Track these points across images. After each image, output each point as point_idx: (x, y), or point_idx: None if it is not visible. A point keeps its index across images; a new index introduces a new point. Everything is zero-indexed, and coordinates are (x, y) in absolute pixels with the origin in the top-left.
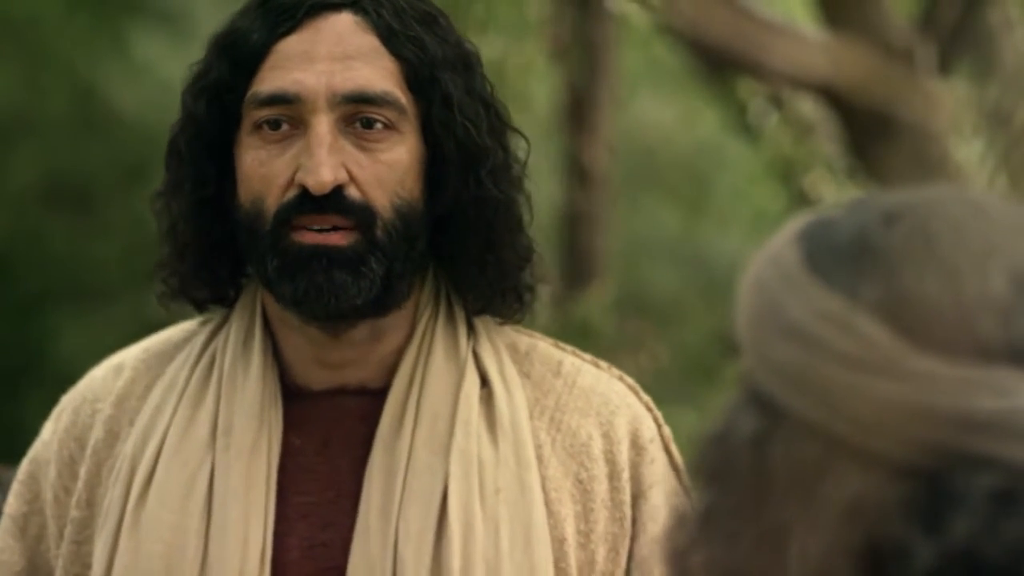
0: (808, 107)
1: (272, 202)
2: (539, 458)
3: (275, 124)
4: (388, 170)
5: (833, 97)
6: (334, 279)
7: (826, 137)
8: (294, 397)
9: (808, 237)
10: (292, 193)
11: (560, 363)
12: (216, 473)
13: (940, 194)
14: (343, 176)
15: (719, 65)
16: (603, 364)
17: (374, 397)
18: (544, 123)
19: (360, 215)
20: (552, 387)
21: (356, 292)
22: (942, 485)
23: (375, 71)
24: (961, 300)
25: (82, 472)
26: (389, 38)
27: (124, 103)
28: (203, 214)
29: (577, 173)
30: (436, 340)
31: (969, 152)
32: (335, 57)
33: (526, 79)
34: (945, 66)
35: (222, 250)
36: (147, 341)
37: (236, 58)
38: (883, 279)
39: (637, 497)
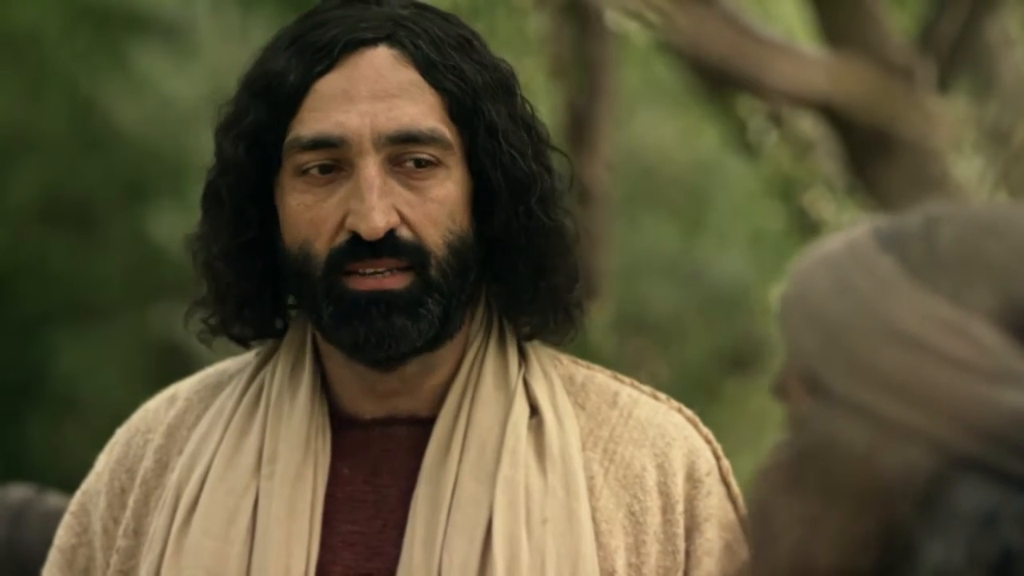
0: (807, 125)
1: (322, 247)
2: (591, 489)
3: (323, 167)
4: (439, 207)
5: (832, 115)
6: (394, 324)
7: (825, 155)
8: (344, 426)
9: (899, 245)
10: (343, 238)
11: (617, 394)
12: (260, 501)
13: (1021, 207)
14: (395, 219)
15: (718, 83)
16: (662, 396)
17: (424, 426)
18: None
19: (413, 256)
20: (607, 418)
21: (416, 335)
22: None
23: (418, 108)
24: None
25: (131, 501)
26: (429, 70)
27: (124, 119)
28: (245, 256)
29: (577, 191)
30: (486, 369)
31: (968, 169)
32: (377, 96)
33: (526, 97)
34: (944, 83)
35: (264, 287)
36: (203, 372)
37: (274, 101)
38: (996, 288)
39: (691, 531)
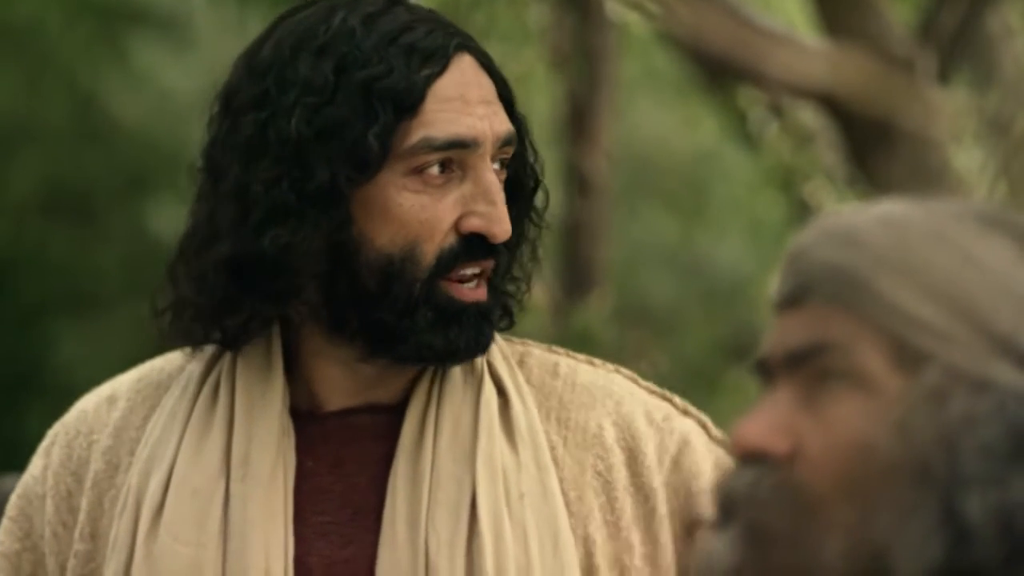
0: (808, 116)
1: (431, 248)
2: (554, 460)
3: (442, 166)
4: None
5: (833, 106)
6: (483, 332)
7: (826, 145)
8: (303, 419)
9: (1007, 228)
10: (452, 240)
11: (556, 364)
12: (232, 503)
13: None
14: None
15: (719, 73)
16: (597, 362)
17: (386, 414)
18: (544, 132)
19: (499, 258)
20: (553, 389)
21: (490, 339)
22: None
23: (503, 112)
24: None
25: (83, 504)
26: (495, 77)
27: (124, 112)
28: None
29: (576, 182)
30: None
31: (969, 160)
32: (484, 100)
33: (526, 88)
34: (945, 74)
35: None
36: (138, 371)
37: (398, 102)
38: None
39: (669, 470)
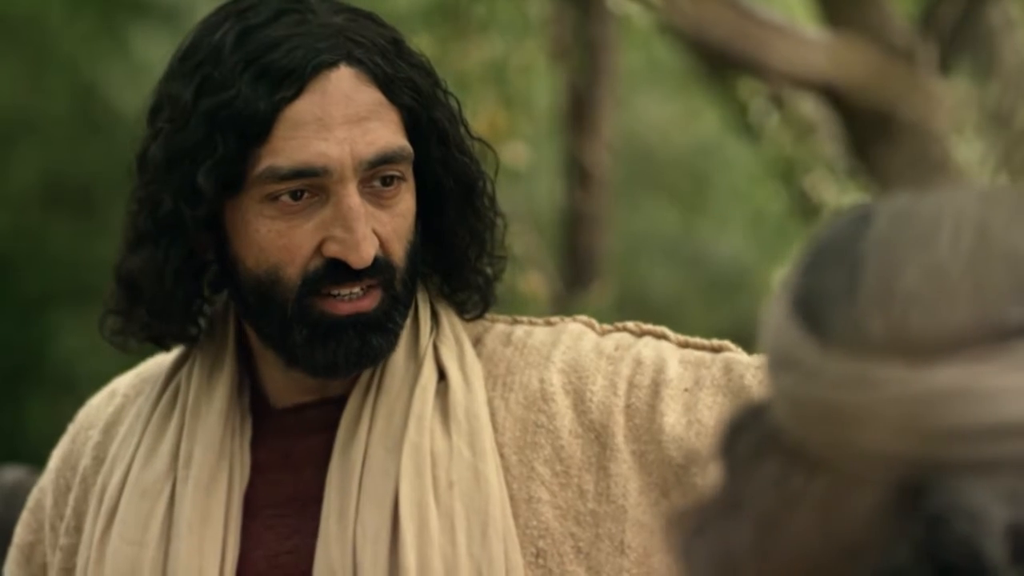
0: (809, 107)
1: (295, 272)
2: (495, 426)
3: (294, 194)
4: (403, 221)
5: (834, 97)
6: (370, 343)
7: (827, 137)
8: (262, 415)
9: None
10: (318, 262)
11: (511, 334)
12: (175, 504)
13: (942, 192)
14: (377, 244)
15: (720, 65)
16: (556, 319)
17: (335, 404)
18: (545, 123)
19: (385, 274)
20: (502, 356)
21: (388, 349)
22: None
23: (387, 128)
24: (856, 294)
25: (71, 499)
26: (389, 87)
27: (125, 103)
28: (195, 276)
29: (577, 173)
30: (399, 342)
31: (970, 152)
32: (350, 120)
33: (527, 79)
34: (946, 66)
35: (199, 300)
36: (141, 366)
37: (242, 131)
38: (805, 277)
39: (625, 394)
